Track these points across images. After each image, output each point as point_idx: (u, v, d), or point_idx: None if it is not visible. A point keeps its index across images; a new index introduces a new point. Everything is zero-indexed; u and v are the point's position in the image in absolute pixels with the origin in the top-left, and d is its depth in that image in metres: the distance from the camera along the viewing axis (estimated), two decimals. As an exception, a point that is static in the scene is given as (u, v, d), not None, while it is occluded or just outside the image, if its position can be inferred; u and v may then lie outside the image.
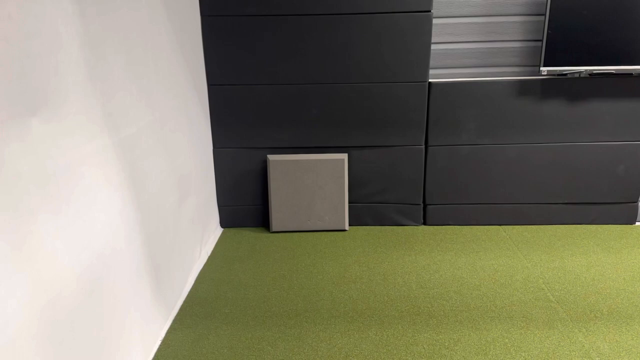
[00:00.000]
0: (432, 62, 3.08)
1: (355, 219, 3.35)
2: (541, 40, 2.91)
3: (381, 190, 3.28)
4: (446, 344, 2.11)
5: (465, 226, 3.32)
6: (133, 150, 1.96)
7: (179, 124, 2.56)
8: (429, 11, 2.91)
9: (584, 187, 3.22)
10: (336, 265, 2.82)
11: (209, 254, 2.99)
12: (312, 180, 3.18)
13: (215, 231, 3.26)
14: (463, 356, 2.03)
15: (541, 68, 2.94)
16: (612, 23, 2.83)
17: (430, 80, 3.07)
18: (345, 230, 3.29)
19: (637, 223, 3.29)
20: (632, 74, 2.97)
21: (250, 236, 3.25)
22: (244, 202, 3.35)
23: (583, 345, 2.08)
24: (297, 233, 3.26)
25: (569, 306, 2.37)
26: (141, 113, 2.06)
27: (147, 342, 2.06)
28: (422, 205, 3.33)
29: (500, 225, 3.32)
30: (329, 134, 3.17)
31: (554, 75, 3.00)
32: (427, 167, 3.23)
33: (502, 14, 3.06)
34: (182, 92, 2.63)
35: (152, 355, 2.08)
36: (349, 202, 3.31)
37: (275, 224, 3.26)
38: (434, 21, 3.02)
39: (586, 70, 2.94)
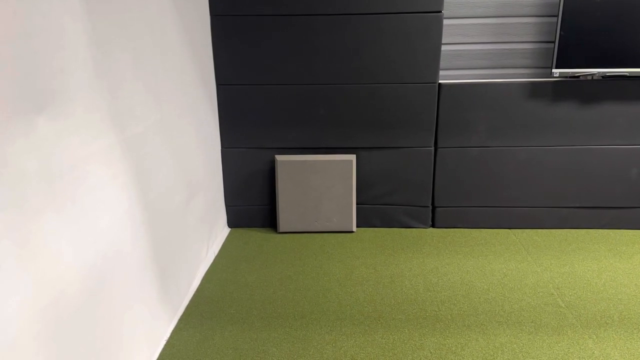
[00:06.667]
0: (442, 63, 3.05)
1: (363, 221, 3.33)
2: (553, 42, 2.87)
3: (389, 191, 3.26)
4: (453, 349, 2.08)
5: (474, 229, 3.28)
6: (140, 149, 1.95)
7: (187, 123, 2.56)
8: (440, 12, 2.89)
9: (596, 191, 3.17)
10: (343, 267, 2.80)
11: (215, 254, 2.99)
12: (320, 181, 3.17)
13: (222, 231, 3.25)
14: (470, 361, 2.01)
15: (553, 70, 2.89)
16: (626, 24, 2.79)
17: (440, 81, 3.04)
18: (352, 231, 3.27)
19: (650, 228, 3.24)
20: (646, 76, 2.93)
21: (257, 236, 3.24)
22: (252, 202, 3.34)
23: (593, 352, 2.04)
24: (305, 234, 3.25)
25: (579, 312, 2.33)
26: (149, 112, 2.06)
27: (152, 342, 2.05)
28: (430, 208, 3.30)
29: (510, 228, 3.28)
30: (337, 135, 3.16)
31: (566, 77, 2.96)
32: (436, 169, 3.20)
33: (513, 15, 3.02)
34: (191, 91, 2.63)
35: (157, 355, 2.07)
36: (357, 204, 3.29)
37: (282, 224, 3.25)
38: (445, 22, 2.99)
39: (599, 72, 2.90)
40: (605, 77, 2.96)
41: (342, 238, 3.19)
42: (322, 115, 3.12)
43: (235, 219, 3.38)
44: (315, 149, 3.20)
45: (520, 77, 3.13)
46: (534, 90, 3.01)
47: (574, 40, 2.83)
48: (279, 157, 3.15)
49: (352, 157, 3.15)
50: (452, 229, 3.29)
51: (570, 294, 2.49)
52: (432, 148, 3.16)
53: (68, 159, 1.45)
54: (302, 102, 3.10)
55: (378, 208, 3.31)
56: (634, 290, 2.50)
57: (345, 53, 2.99)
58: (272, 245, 3.10)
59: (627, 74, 2.89)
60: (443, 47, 3.03)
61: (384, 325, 2.25)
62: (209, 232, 2.94)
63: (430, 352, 2.06)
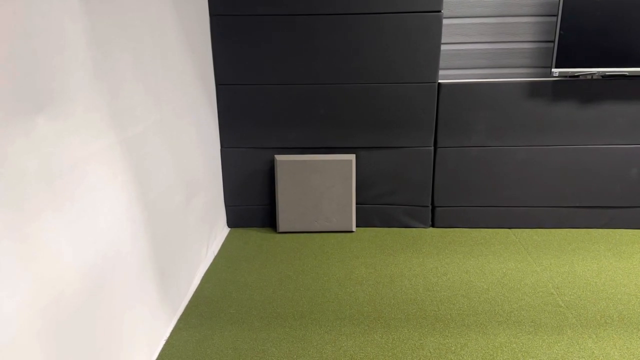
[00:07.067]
0: (441, 63, 3.05)
1: (363, 221, 3.33)
2: (553, 42, 2.88)
3: (389, 191, 3.26)
4: (453, 349, 2.08)
5: (474, 229, 3.28)
6: (140, 149, 1.95)
7: (186, 123, 2.56)
8: (439, 11, 2.89)
9: (595, 191, 3.17)
10: (343, 266, 2.80)
11: (215, 254, 2.99)
12: (319, 181, 3.17)
13: (222, 231, 3.25)
14: (470, 361, 2.01)
15: (553, 69, 2.90)
16: (625, 24, 2.79)
17: (439, 81, 3.04)
18: (352, 231, 3.27)
19: (650, 228, 3.24)
20: (646, 76, 2.93)
21: (257, 236, 3.24)
22: (251, 202, 3.34)
23: (593, 352, 2.04)
24: (304, 234, 3.25)
25: (579, 312, 2.33)
26: (148, 112, 2.05)
27: (151, 342, 2.05)
28: (430, 207, 3.30)
29: (509, 228, 3.28)
30: (337, 135, 3.16)
31: (565, 76, 2.96)
32: (436, 169, 3.20)
33: (513, 14, 3.02)
34: (190, 91, 2.63)
35: (156, 354, 2.07)
36: (357, 204, 3.29)
37: (282, 224, 3.24)
38: (444, 21, 2.99)
39: (599, 71, 2.90)
40: (604, 77, 2.96)
41: (342, 238, 3.19)
42: (321, 115, 3.12)
43: (235, 219, 3.38)
44: (315, 148, 3.20)
45: (519, 76, 3.13)
46: (533, 90, 3.01)
47: (574, 40, 2.83)
48: (279, 157, 3.15)
49: (352, 157, 3.15)
50: (451, 229, 3.29)
51: (569, 293, 2.49)
52: (432, 148, 3.16)
53: (68, 158, 1.45)
54: (301, 101, 3.10)
55: (378, 208, 3.31)
56: (634, 290, 2.50)
57: (344, 53, 2.99)
58: (272, 245, 3.10)
59: (627, 73, 2.89)
60: (442, 47, 3.03)
61: (384, 325, 2.25)
62: (208, 231, 2.94)
63: (430, 352, 2.06)
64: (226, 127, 3.17)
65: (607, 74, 2.91)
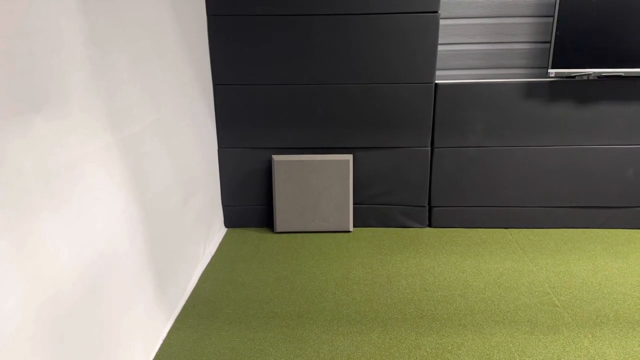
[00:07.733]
0: (438, 64, 3.06)
1: (360, 221, 3.33)
2: (549, 42, 2.89)
3: (386, 191, 3.26)
4: (449, 348, 2.09)
5: (470, 229, 3.29)
6: (137, 149, 1.95)
7: (184, 123, 2.56)
8: (436, 12, 2.90)
9: (592, 191, 3.18)
10: (340, 266, 2.81)
11: (212, 254, 2.99)
12: (317, 181, 3.17)
13: (219, 231, 3.25)
14: (466, 360, 2.01)
15: (549, 70, 2.91)
16: (622, 25, 2.80)
17: (436, 81, 3.05)
18: (349, 231, 3.27)
19: (646, 228, 3.26)
20: (641, 76, 2.94)
21: (254, 236, 3.24)
22: (249, 202, 3.34)
23: (589, 351, 2.05)
24: (301, 234, 3.25)
25: (575, 311, 2.34)
26: (146, 112, 2.06)
27: (148, 341, 2.05)
28: (427, 207, 3.31)
29: (506, 228, 3.29)
30: (334, 135, 3.16)
31: (562, 77, 2.97)
32: (433, 169, 3.21)
33: (510, 15, 3.03)
34: (188, 91, 2.63)
35: (153, 354, 2.07)
36: (354, 204, 3.29)
37: (279, 224, 3.25)
38: (441, 22, 3.00)
39: (595, 72, 2.91)
40: (600, 77, 2.97)
41: (339, 238, 3.19)
42: (319, 115, 3.12)
43: (232, 219, 3.38)
44: (313, 148, 3.20)
45: (516, 77, 3.14)
46: (530, 90, 3.02)
47: (570, 41, 2.84)
48: (276, 157, 3.16)
49: (349, 157, 3.15)
50: (448, 229, 3.30)
51: (566, 293, 2.50)
52: (429, 148, 3.17)
53: (65, 158, 1.45)
54: (299, 102, 3.10)
55: (375, 208, 3.31)
56: (630, 289, 2.51)
57: (342, 53, 2.99)
58: (269, 245, 3.10)
59: (623, 74, 2.90)
60: (439, 47, 3.04)
61: (381, 325, 2.26)
62: (206, 232, 2.94)
63: (427, 352, 2.07)
64: (224, 127, 3.17)
65: (603, 74, 2.92)
